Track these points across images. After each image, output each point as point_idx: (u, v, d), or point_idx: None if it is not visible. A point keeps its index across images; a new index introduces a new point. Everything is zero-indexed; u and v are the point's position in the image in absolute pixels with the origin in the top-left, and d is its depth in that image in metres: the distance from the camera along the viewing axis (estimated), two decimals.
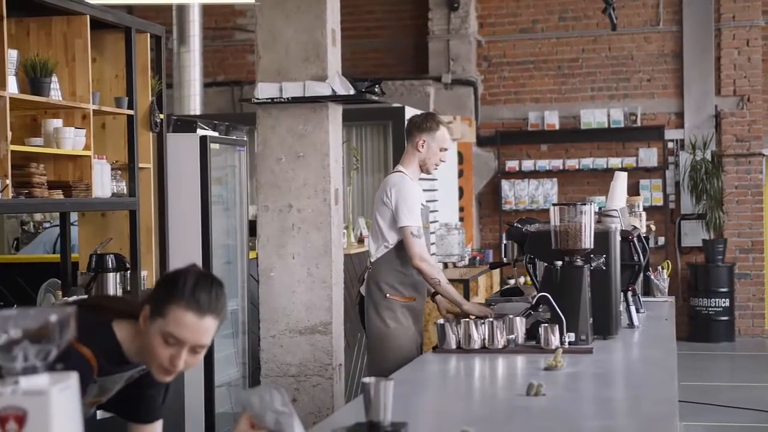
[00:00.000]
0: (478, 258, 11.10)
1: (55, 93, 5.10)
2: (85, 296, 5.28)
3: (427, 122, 5.45)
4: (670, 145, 12.93)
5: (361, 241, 8.10)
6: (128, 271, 5.72)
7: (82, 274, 5.68)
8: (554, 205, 4.50)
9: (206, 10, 12.50)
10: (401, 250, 5.28)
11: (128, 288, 5.74)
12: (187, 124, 6.75)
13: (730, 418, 8.43)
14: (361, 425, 2.76)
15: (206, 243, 6.41)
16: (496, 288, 10.63)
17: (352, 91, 5.84)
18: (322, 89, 5.78)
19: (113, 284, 5.54)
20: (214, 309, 2.65)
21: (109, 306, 2.83)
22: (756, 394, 9.45)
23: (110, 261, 5.56)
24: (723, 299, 12.43)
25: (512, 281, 12.26)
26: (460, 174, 12.54)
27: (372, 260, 5.44)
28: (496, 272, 11.42)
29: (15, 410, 1.71)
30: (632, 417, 3.11)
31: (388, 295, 5.31)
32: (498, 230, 13.11)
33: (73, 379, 1.78)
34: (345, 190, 8.76)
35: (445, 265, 10.50)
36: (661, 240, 12.75)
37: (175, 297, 2.62)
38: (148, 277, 5.98)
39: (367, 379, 2.73)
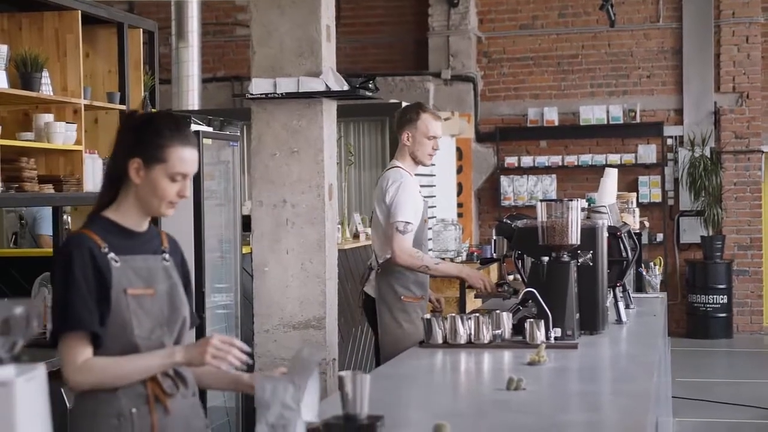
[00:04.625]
0: (476, 254, 11.09)
1: (46, 88, 5.13)
2: None
3: (406, 114, 5.42)
4: (669, 141, 12.94)
5: (356, 236, 8.11)
6: None
7: None
8: (541, 200, 4.51)
9: (207, 5, 12.53)
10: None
11: None
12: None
13: (726, 415, 8.44)
14: (338, 418, 2.79)
15: (198, 237, 6.43)
16: None
17: (345, 87, 5.85)
18: (315, 85, 5.79)
19: None
20: (195, 139, 2.95)
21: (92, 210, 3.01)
22: (753, 391, 9.45)
23: None
24: (721, 296, 12.44)
25: (511, 277, 12.26)
26: (459, 170, 12.56)
27: (380, 261, 5.34)
28: (495, 268, 11.43)
29: None
30: (606, 411, 3.13)
31: (402, 297, 5.27)
32: None
33: (39, 371, 1.81)
34: (340, 185, 8.77)
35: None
36: (660, 236, 12.76)
37: (168, 141, 2.86)
38: None
39: (343, 373, 2.75)
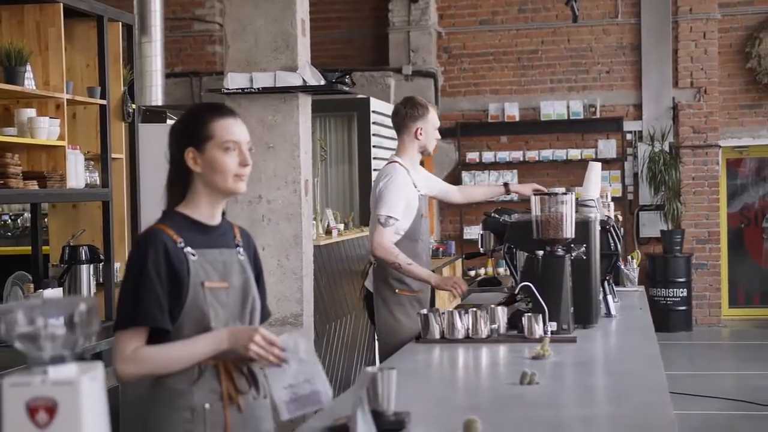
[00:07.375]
0: (441, 249, 11.12)
1: (29, 82, 5.03)
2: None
3: (418, 110, 5.43)
4: (629, 136, 13.04)
5: (329, 232, 8.07)
6: (101, 263, 5.65)
7: (54, 266, 5.60)
8: (535, 194, 4.51)
9: (165, 0, 12.38)
10: (406, 242, 5.21)
11: (101, 280, 5.67)
12: (156, 115, 6.69)
13: (688, 406, 8.53)
14: None
15: None
16: None
17: (322, 82, 5.82)
18: (292, 79, 5.76)
19: (86, 276, 5.46)
20: (235, 113, 3.02)
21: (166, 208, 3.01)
22: (713, 382, 9.59)
23: (83, 253, 5.49)
24: (680, 289, 12.57)
25: (472, 272, 12.32)
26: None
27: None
28: (459, 263, 11.47)
29: (45, 401, 1.69)
30: (628, 405, 3.10)
31: (397, 290, 5.24)
32: (459, 222, 13.15)
33: (99, 369, 1.76)
34: (313, 181, 8.72)
35: None
36: (621, 231, 12.84)
37: (207, 118, 2.93)
38: (122, 269, 5.91)
39: (370, 369, 2.72)
